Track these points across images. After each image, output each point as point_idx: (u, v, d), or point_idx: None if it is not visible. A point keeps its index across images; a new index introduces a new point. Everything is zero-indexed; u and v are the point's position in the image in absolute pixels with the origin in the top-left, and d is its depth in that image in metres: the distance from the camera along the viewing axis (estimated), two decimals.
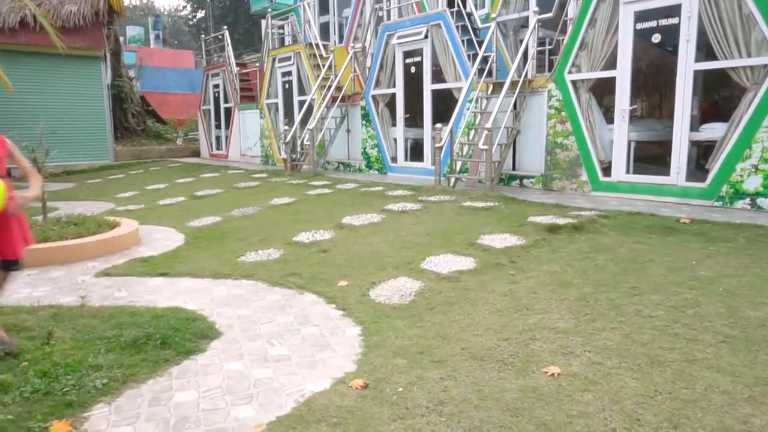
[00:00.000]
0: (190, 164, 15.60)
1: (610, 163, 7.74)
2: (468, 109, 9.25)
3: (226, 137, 17.21)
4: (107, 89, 15.87)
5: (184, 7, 47.27)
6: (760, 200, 6.31)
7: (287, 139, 12.45)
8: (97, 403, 2.65)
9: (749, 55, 6.27)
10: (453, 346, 3.17)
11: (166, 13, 49.57)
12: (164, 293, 4.39)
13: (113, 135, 16.62)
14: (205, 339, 3.41)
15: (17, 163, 3.28)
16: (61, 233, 5.72)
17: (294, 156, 12.55)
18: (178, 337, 3.35)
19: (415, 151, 11.28)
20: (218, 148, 17.91)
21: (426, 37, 10.19)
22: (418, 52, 10.51)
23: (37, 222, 6.12)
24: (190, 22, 45.37)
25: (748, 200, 6.40)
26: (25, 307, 4.01)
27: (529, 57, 8.87)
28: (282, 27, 16.30)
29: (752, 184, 6.35)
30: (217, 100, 17.46)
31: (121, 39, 20.86)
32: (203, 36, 19.54)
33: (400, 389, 2.70)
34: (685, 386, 2.60)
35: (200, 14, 42.33)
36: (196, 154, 18.93)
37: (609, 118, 7.97)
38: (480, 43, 9.80)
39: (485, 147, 8.03)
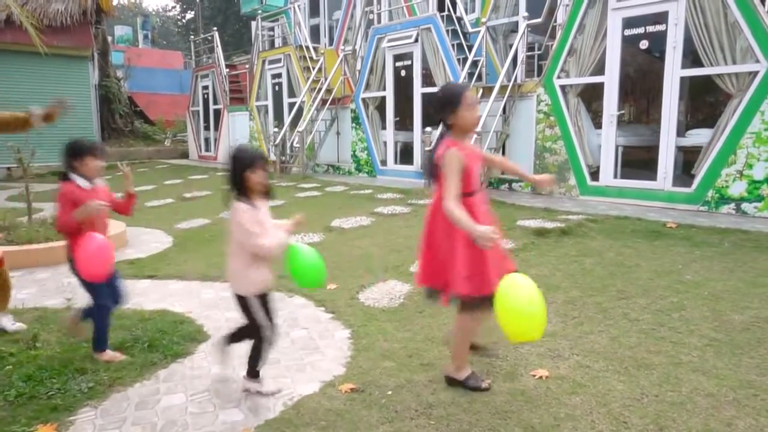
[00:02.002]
0: (179, 166, 15.50)
1: (598, 167, 7.81)
2: None
3: (215, 139, 17.12)
4: (95, 89, 15.73)
5: (173, 7, 47.02)
6: (744, 205, 6.40)
7: (276, 142, 12.41)
8: (82, 407, 2.62)
9: (734, 63, 6.37)
10: (442, 350, 3.17)
11: (154, 13, 49.27)
12: (151, 296, 4.36)
13: (100, 136, 16.46)
14: (193, 342, 3.39)
15: (493, 164, 3.01)
16: (47, 235, 5.65)
17: (283, 158, 12.52)
18: (166, 340, 3.33)
19: (405, 155, 11.31)
20: (207, 149, 17.81)
21: (416, 40, 10.23)
22: (409, 56, 10.55)
23: (22, 223, 6.04)
24: (180, 23, 45.13)
25: (733, 205, 6.49)
26: (9, 309, 3.94)
27: (519, 62, 8.94)
28: (272, 29, 16.27)
29: (737, 189, 6.44)
30: (206, 101, 17.37)
31: (109, 39, 20.69)
32: (192, 37, 19.45)
33: (389, 392, 2.70)
34: (671, 389, 2.63)
35: (189, 15, 42.13)
36: (185, 155, 18.80)
37: (597, 123, 8.05)
38: (470, 48, 9.86)
39: None
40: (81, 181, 2.91)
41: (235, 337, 2.79)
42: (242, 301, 2.61)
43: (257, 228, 2.52)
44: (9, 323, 3.53)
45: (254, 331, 2.65)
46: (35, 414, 2.53)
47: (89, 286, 2.95)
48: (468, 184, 2.56)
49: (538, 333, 2.30)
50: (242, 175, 2.53)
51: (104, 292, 3.00)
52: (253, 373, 2.73)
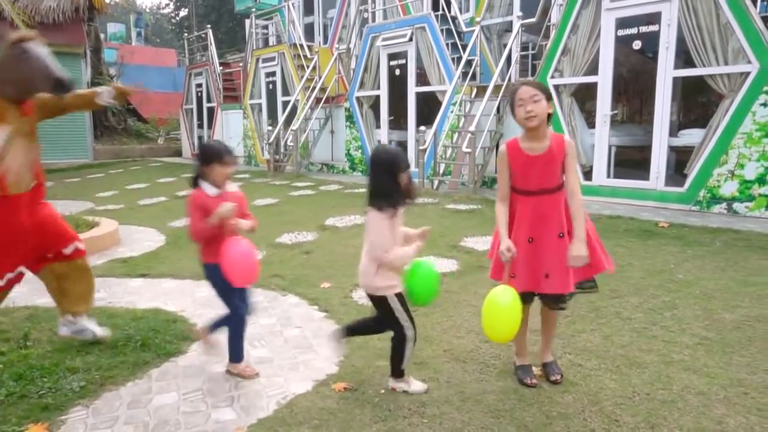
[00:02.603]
0: (172, 164, 15.44)
1: (591, 167, 7.84)
2: (452, 112, 9.30)
3: (209, 137, 17.05)
4: (87, 87, 15.64)
5: (167, 5, 46.80)
6: (735, 205, 6.45)
7: (270, 140, 12.38)
8: (74, 406, 2.60)
9: (726, 63, 6.41)
10: (435, 348, 3.18)
11: (148, 10, 48.99)
12: (144, 294, 4.34)
13: (93, 133, 16.37)
14: (186, 341, 3.37)
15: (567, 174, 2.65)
16: None
17: (277, 157, 12.49)
18: (159, 339, 3.31)
19: None
20: None
21: (410, 39, 10.23)
22: (403, 55, 10.55)
23: None
24: (173, 21, 44.92)
25: (724, 205, 6.54)
26: (7, 308, 3.91)
27: (513, 61, 8.96)
28: (266, 27, 16.24)
29: (728, 189, 6.48)
30: (199, 99, 17.31)
31: (102, 36, 20.57)
32: (186, 34, 19.37)
33: (383, 391, 2.70)
34: (663, 387, 2.65)
35: (183, 12, 41.94)
36: (178, 153, 18.73)
37: (590, 123, 8.09)
38: (464, 47, 9.88)
39: (468, 150, 8.08)
40: (209, 188, 2.79)
41: (357, 330, 2.85)
42: (380, 301, 2.61)
43: (388, 239, 2.51)
44: (98, 328, 3.29)
45: (389, 328, 2.67)
46: (26, 413, 2.51)
47: (225, 294, 2.84)
48: (518, 181, 2.61)
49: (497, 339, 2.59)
50: (397, 176, 2.48)
51: (238, 300, 2.87)
52: (397, 372, 2.71)
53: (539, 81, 2.61)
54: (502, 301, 2.44)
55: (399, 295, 2.61)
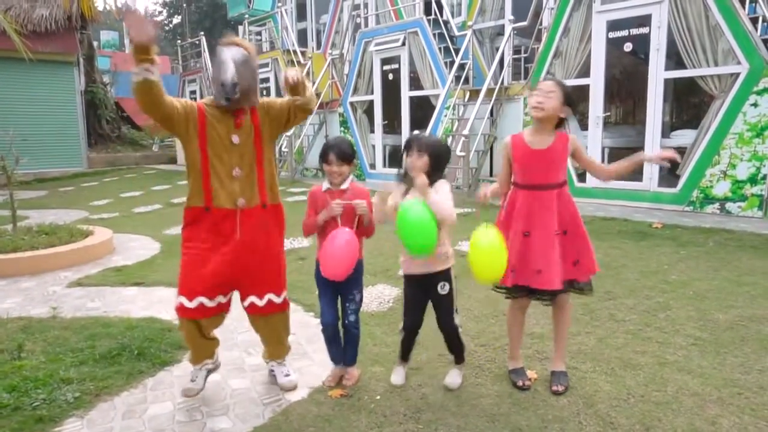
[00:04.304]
0: (167, 171, 15.40)
1: (585, 169, 7.86)
2: (445, 115, 9.33)
3: None
4: (80, 95, 15.61)
5: (160, 12, 46.79)
6: (728, 205, 6.49)
7: None
8: (68, 418, 2.59)
9: (716, 64, 6.46)
10: (430, 353, 3.18)
11: None
12: (139, 303, 4.32)
13: (87, 142, 16.32)
14: (181, 349, 3.35)
15: (580, 161, 2.76)
16: (32, 243, 5.59)
17: None
18: (154, 348, 3.29)
19: (393, 158, 11.32)
20: None
21: (403, 44, 10.26)
22: (396, 59, 10.58)
23: (6, 231, 5.98)
24: (167, 28, 44.90)
25: (717, 205, 6.57)
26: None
27: (505, 64, 9.00)
28: (259, 33, 16.26)
29: (721, 189, 6.52)
30: None
31: (95, 44, 20.54)
32: (179, 41, 19.37)
33: (378, 397, 2.70)
34: (657, 389, 2.66)
35: (176, 20, 41.95)
36: (173, 161, 18.67)
37: (583, 125, 8.12)
38: (457, 51, 9.91)
39: (462, 153, 8.10)
40: (324, 184, 2.85)
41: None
42: None
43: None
44: (282, 375, 2.88)
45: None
46: (19, 426, 2.50)
47: (319, 293, 2.82)
48: (519, 175, 2.67)
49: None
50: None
51: (325, 305, 2.81)
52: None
53: (565, 85, 2.65)
54: (484, 239, 2.57)
55: (405, 278, 2.79)
